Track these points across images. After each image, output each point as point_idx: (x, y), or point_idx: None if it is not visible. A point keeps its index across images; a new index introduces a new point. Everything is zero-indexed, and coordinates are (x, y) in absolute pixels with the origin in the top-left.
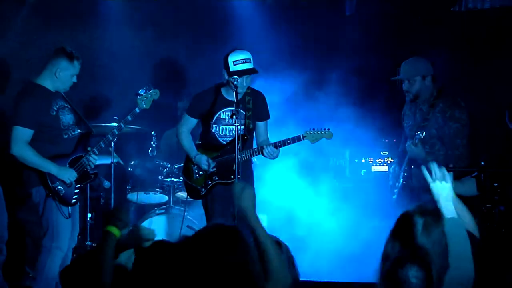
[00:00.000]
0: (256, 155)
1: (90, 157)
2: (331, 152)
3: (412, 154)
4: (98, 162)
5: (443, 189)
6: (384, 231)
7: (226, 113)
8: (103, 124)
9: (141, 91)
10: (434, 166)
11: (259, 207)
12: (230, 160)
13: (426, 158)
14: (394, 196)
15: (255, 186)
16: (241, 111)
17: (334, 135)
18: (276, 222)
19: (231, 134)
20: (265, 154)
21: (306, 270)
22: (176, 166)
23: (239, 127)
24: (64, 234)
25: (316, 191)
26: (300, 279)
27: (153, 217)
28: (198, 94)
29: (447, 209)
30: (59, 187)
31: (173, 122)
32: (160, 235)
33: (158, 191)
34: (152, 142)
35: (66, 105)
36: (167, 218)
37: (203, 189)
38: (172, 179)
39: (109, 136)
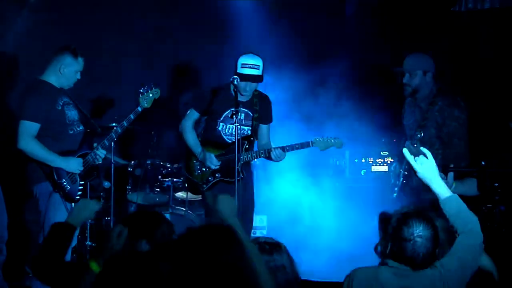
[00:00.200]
0: (263, 157)
1: (97, 151)
2: (331, 152)
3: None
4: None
5: (428, 169)
6: None
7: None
8: (104, 123)
9: (142, 90)
10: (407, 145)
11: (259, 207)
12: (234, 159)
13: None
14: (395, 194)
15: (255, 186)
16: (249, 112)
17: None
18: (276, 222)
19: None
20: (273, 156)
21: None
22: (176, 166)
23: (245, 128)
24: None
25: (316, 191)
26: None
27: None
28: (207, 91)
29: (440, 189)
30: (65, 183)
31: (173, 122)
32: None
33: (158, 191)
34: (152, 142)
35: (70, 101)
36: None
37: (204, 185)
38: (172, 179)
39: (112, 134)
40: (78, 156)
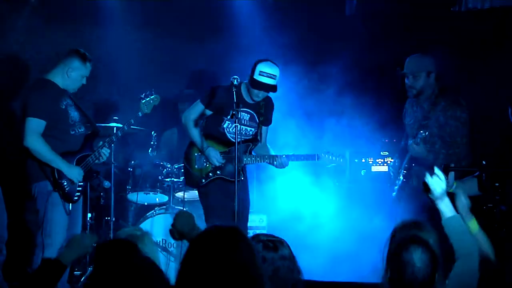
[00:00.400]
0: (267, 162)
1: (102, 150)
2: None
3: (413, 153)
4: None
5: (440, 188)
6: (384, 231)
7: (241, 113)
8: (103, 124)
9: (143, 96)
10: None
11: (259, 207)
12: (237, 159)
13: (427, 157)
14: (394, 193)
15: (255, 186)
16: (255, 115)
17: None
18: (276, 222)
19: (242, 133)
20: (276, 164)
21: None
22: (176, 166)
23: (249, 128)
24: (59, 232)
25: (316, 191)
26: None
27: (153, 217)
28: (218, 87)
29: (445, 208)
30: (65, 183)
31: (173, 122)
32: (160, 235)
33: (158, 191)
34: (152, 142)
35: (72, 103)
36: (167, 218)
37: (203, 180)
38: (172, 179)
39: (113, 137)
40: (79, 158)
